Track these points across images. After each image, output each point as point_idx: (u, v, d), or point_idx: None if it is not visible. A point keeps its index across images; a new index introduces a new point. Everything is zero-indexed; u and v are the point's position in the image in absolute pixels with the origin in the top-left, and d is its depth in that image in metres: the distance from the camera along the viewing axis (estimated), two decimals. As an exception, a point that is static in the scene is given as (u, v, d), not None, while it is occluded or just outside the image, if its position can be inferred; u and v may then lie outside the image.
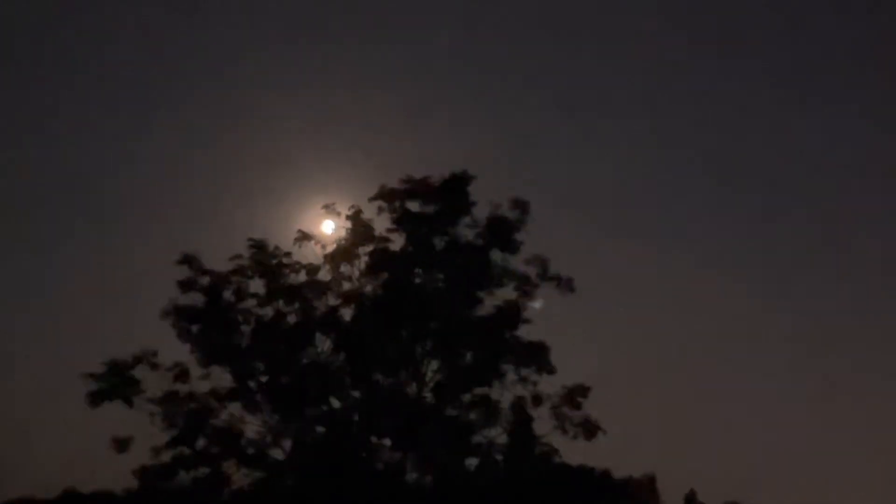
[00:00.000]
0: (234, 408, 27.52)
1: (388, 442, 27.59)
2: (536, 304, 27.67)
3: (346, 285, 28.67)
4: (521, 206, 28.78)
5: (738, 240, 53.33)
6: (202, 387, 27.44)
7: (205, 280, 28.30)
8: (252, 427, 27.55)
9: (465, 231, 28.85)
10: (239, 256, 28.67)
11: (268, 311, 28.41)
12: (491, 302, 28.49)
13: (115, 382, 26.85)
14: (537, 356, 27.92)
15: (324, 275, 28.72)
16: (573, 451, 27.74)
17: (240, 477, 27.05)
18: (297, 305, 28.34)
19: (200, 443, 27.06)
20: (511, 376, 27.86)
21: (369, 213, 28.96)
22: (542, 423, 27.46)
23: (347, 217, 28.93)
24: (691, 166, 54.59)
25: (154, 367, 27.31)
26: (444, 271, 28.72)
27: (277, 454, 27.45)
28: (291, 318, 28.32)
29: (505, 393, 27.70)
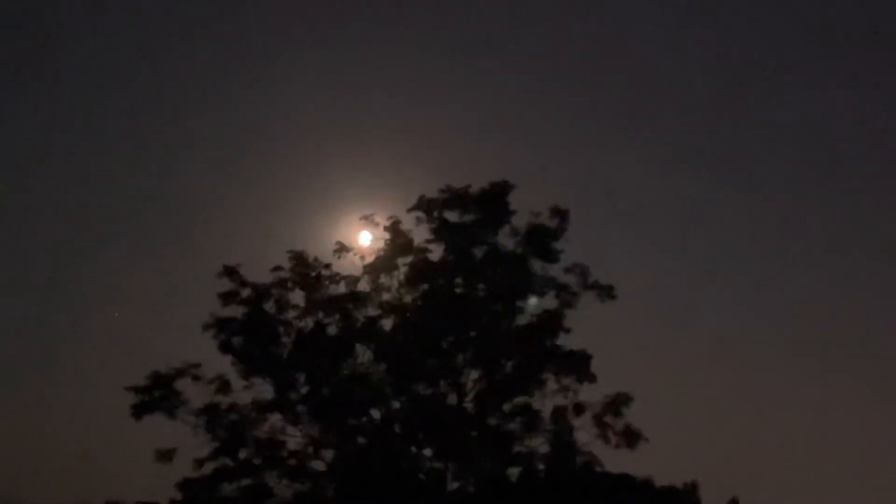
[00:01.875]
0: (276, 419, 27.46)
1: (429, 452, 27.30)
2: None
3: (386, 296, 28.38)
4: (560, 214, 28.60)
5: (794, 239, 51.67)
6: (244, 398, 27.39)
7: (246, 292, 28.15)
8: (293, 438, 27.48)
9: (505, 240, 28.66)
10: (279, 268, 28.46)
11: (308, 323, 28.19)
12: (531, 311, 28.33)
13: (158, 395, 26.98)
14: (578, 365, 27.59)
15: (363, 286, 28.49)
16: (615, 460, 27.35)
17: (281, 488, 26.94)
18: (337, 316, 28.13)
19: (242, 454, 26.98)
20: (552, 385, 27.58)
21: (408, 223, 28.76)
22: (584, 431, 27.31)
23: (386, 228, 28.64)
24: (739, 171, 52.97)
25: (196, 379, 27.29)
26: (484, 281, 28.37)
27: (319, 465, 27.35)
28: (332, 330, 28.12)
29: (546, 402, 27.53)
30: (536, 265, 28.40)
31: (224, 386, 27.42)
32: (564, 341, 27.97)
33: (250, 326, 27.80)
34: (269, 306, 28.17)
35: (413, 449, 27.37)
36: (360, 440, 27.41)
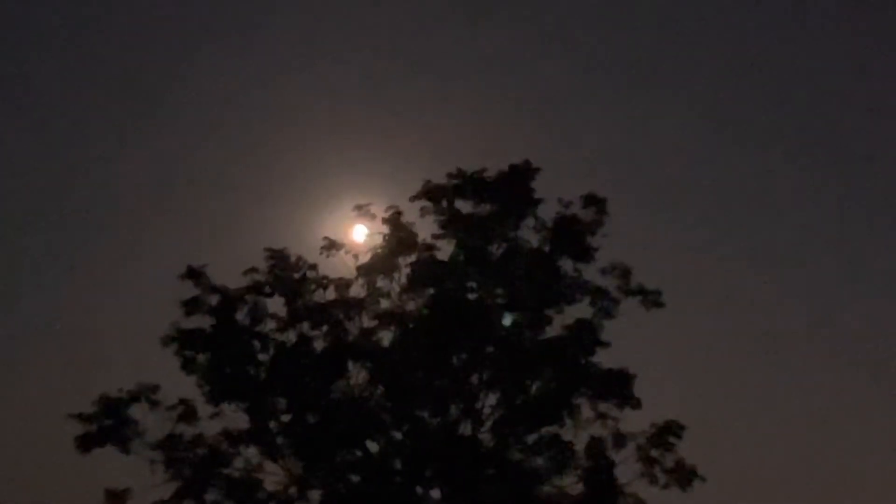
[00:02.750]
0: (251, 453, 25.53)
1: (437, 493, 25.36)
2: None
3: (384, 303, 26.54)
4: (596, 203, 26.25)
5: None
6: (212, 428, 25.49)
7: (214, 299, 26.11)
8: (272, 477, 25.51)
9: (529, 235, 26.62)
10: (254, 270, 26.44)
11: (290, 336, 26.29)
12: (561, 321, 26.05)
13: (109, 424, 25.03)
14: (619, 387, 25.31)
15: (357, 291, 26.64)
16: (664, 503, 24.94)
17: (258, 537, 25.10)
18: (324, 328, 26.21)
19: (211, 496, 25.10)
20: (587, 412, 25.43)
21: (411, 215, 26.86)
22: (626, 468, 25.08)
23: (384, 220, 26.75)
24: (801, 158, 48.89)
25: (154, 404, 25.36)
26: (504, 285, 26.38)
27: (303, 509, 25.35)
28: (318, 344, 26.20)
29: (580, 432, 25.30)
30: (567, 265, 26.39)
31: (188, 413, 25.48)
32: (601, 358, 25.79)
33: (219, 340, 25.89)
34: (243, 316, 26.29)
35: (418, 489, 25.42)
36: (353, 478, 25.60)
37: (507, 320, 25.76)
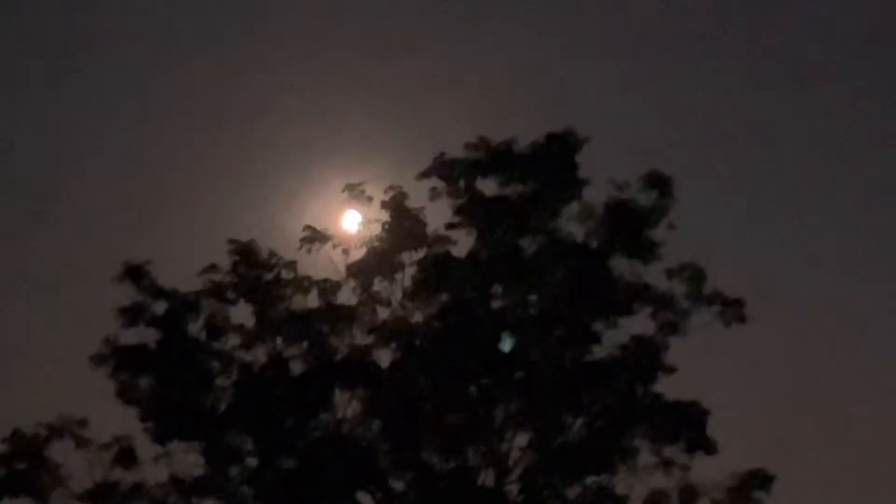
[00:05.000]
0: None
1: None
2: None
3: (383, 313, 23.59)
4: (660, 184, 22.85)
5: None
6: (156, 474, 22.60)
7: (160, 306, 23.26)
8: None
9: (572, 226, 23.36)
10: (213, 268, 23.55)
11: (258, 355, 23.32)
12: (613, 339, 22.86)
13: (22, 468, 22.34)
14: (688, 424, 22.28)
15: (347, 296, 23.69)
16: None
17: None
18: (304, 345, 23.27)
19: None
20: (646, 457, 22.43)
21: (418, 198, 23.74)
22: None
23: (384, 205, 23.71)
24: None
25: (81, 443, 22.39)
26: (538, 290, 23.27)
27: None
28: (296, 366, 23.17)
29: (637, 483, 22.32)
30: (622, 265, 23.12)
31: (125, 455, 22.51)
32: (666, 387, 22.74)
33: (166, 360, 22.95)
34: (197, 328, 23.34)
35: (424, 558, 23.19)
36: (341, 542, 23.33)
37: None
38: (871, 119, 41.96)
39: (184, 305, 23.12)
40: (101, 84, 38.68)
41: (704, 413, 22.03)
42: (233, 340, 23.26)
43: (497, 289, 23.41)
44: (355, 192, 23.63)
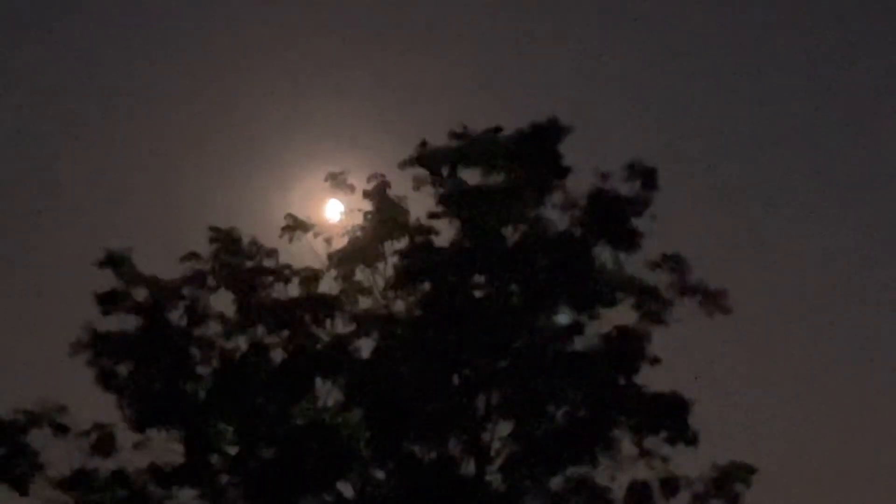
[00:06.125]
0: (186, 496, 22.58)
1: None
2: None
3: (365, 302, 23.57)
4: (644, 175, 22.91)
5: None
6: (136, 462, 22.46)
7: (140, 293, 23.25)
8: None
9: (556, 215, 23.36)
10: (194, 256, 23.52)
11: (239, 343, 23.29)
12: (596, 328, 22.72)
13: (1, 454, 22.16)
14: (670, 416, 22.12)
15: (329, 285, 23.57)
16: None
17: None
18: (285, 333, 23.14)
19: None
20: (628, 448, 22.26)
21: (401, 186, 23.78)
22: None
23: (366, 194, 23.70)
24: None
25: (60, 430, 22.25)
26: (521, 280, 23.12)
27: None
28: (277, 354, 23.14)
29: (618, 474, 22.10)
30: (605, 255, 23.10)
31: (104, 442, 22.38)
32: (648, 378, 22.57)
33: (146, 347, 22.92)
34: (178, 316, 23.38)
35: (405, 546, 22.98)
36: (322, 531, 23.26)
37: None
38: (854, 111, 42.55)
39: (164, 293, 23.20)
40: (83, 72, 38.98)
41: (686, 404, 21.93)
42: (213, 328, 23.34)
43: (479, 278, 23.53)
44: (338, 181, 23.72)
